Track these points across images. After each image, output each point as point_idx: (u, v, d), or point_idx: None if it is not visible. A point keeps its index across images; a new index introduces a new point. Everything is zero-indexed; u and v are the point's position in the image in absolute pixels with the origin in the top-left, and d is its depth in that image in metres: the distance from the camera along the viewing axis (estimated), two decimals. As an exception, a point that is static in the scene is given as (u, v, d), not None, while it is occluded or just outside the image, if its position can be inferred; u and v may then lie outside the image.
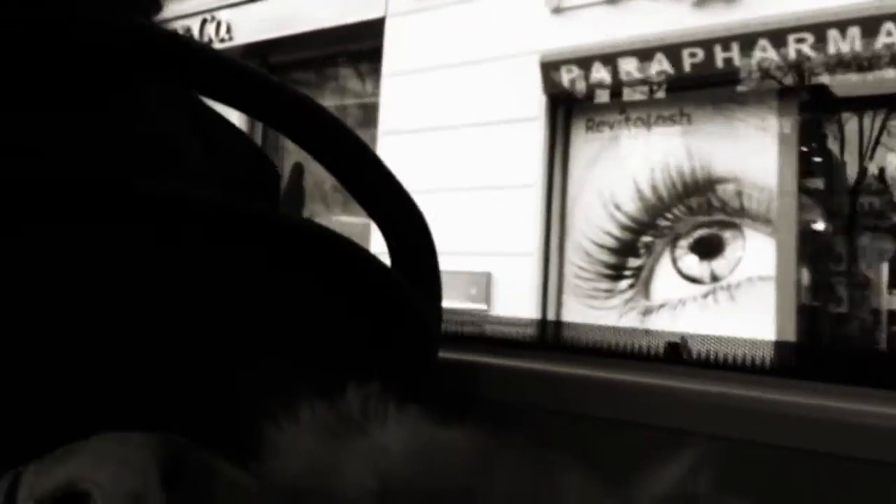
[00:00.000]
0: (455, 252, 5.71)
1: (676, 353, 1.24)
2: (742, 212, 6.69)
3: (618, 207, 7.19)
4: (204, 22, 9.53)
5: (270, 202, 1.05)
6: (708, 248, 6.86)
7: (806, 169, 6.75)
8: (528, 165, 7.39)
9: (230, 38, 9.45)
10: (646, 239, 7.09)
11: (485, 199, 7.35)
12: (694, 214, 6.97)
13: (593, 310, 7.19)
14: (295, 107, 0.92)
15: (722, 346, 1.18)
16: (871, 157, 6.66)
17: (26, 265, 0.74)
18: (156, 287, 0.80)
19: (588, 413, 1.11)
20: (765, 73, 6.54)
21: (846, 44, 6.18)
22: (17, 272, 0.73)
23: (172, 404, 0.81)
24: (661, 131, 7.11)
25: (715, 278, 6.82)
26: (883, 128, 6.64)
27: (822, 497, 0.96)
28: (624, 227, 7.18)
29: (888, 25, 6.03)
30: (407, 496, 0.46)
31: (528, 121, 7.42)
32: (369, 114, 8.55)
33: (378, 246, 1.05)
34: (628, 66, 7.07)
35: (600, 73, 7.19)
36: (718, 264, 6.83)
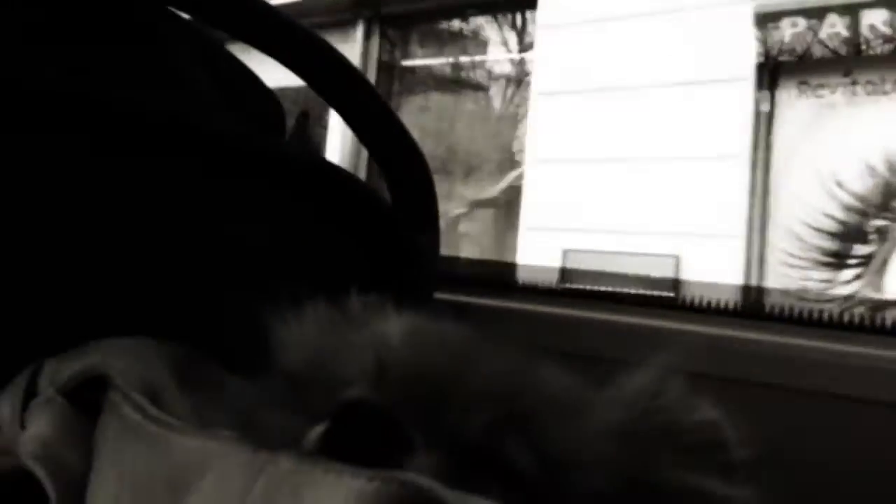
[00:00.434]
0: (637, 231, 4.93)
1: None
2: None
3: (840, 185, 5.94)
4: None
5: (275, 138, 1.08)
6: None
7: None
8: (729, 133, 6.12)
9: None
10: (878, 223, 5.84)
11: (675, 172, 6.08)
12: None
13: (805, 303, 5.73)
14: (300, 41, 0.95)
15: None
16: None
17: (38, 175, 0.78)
18: (161, 207, 0.84)
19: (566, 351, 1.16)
20: None
21: None
22: (32, 180, 0.77)
23: (178, 323, 0.85)
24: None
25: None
26: None
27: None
28: (849, 209, 5.91)
29: None
30: (402, 377, 0.50)
31: (734, 81, 6.14)
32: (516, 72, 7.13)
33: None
34: (874, 18, 6.09)
35: (836, 27, 6.00)
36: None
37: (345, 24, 7.03)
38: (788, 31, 6.06)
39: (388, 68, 7.19)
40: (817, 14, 5.92)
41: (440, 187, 1.17)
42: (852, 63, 5.96)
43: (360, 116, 1.06)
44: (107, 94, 0.78)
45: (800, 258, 6.10)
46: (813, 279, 5.96)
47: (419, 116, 6.60)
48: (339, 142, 5.96)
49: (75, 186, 0.79)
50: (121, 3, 0.93)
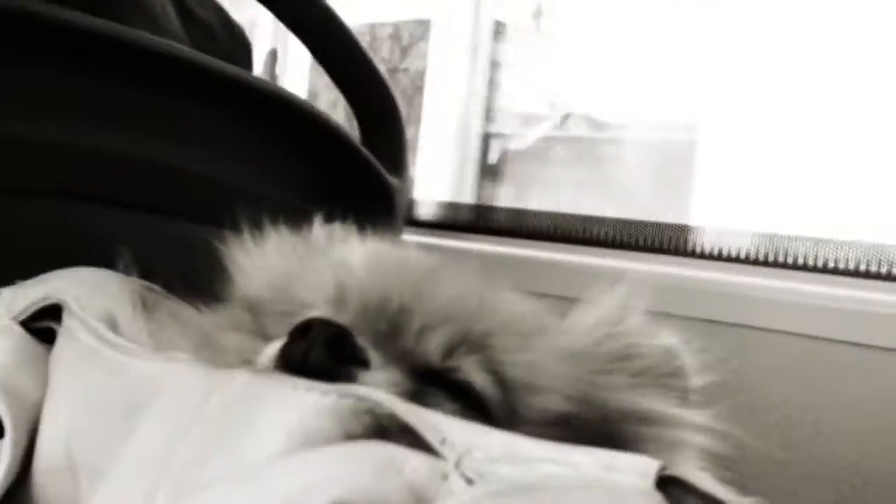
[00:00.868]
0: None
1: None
2: None
3: None
4: None
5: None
6: None
7: None
8: None
9: None
10: None
11: None
12: None
13: None
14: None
15: None
16: None
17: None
18: (124, 126, 0.82)
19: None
20: None
21: None
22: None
23: (138, 253, 0.85)
24: None
25: None
26: None
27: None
28: None
29: None
30: (361, 300, 0.50)
31: None
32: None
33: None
34: None
35: None
36: None
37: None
38: None
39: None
40: None
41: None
42: None
43: (333, 56, 1.05)
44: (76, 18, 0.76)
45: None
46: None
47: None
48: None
49: (47, 105, 0.78)
50: None
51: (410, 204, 1.32)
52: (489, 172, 1.95)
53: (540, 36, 1.95)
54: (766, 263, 1.12)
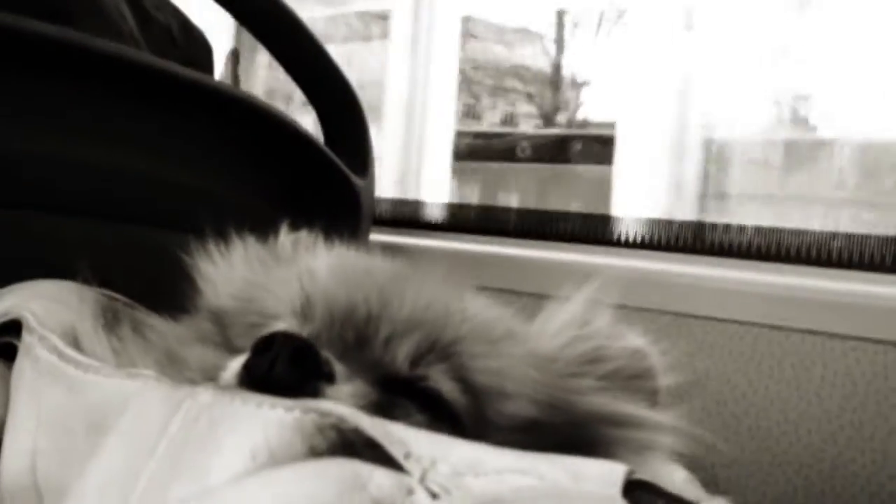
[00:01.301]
0: None
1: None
2: None
3: None
4: None
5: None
6: None
7: None
8: None
9: None
10: None
11: None
12: None
13: None
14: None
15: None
16: None
17: None
18: (83, 134, 0.81)
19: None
20: None
21: None
22: None
23: (102, 262, 0.83)
24: None
25: None
26: None
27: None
28: None
29: None
30: (327, 310, 0.49)
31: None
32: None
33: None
34: None
35: None
36: None
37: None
38: None
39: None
40: None
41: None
42: None
43: (293, 56, 1.04)
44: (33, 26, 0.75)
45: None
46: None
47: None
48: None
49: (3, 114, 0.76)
50: None
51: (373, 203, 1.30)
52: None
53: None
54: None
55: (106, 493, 0.40)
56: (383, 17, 2.15)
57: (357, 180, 1.08)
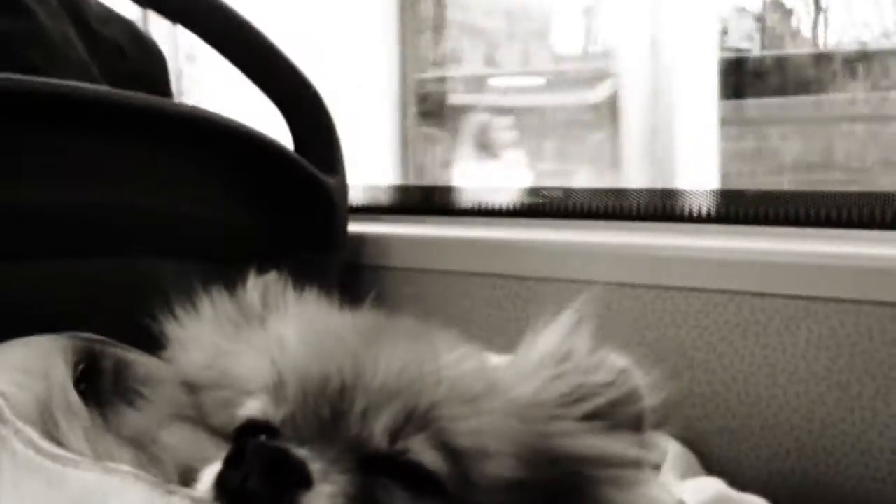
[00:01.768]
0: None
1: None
2: None
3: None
4: None
5: (158, 93, 1.02)
6: None
7: None
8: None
9: None
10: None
11: None
12: None
13: None
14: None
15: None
16: None
17: None
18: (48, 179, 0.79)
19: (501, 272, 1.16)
20: None
21: None
22: None
23: (80, 300, 0.82)
24: None
25: None
26: None
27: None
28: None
29: None
30: (300, 387, 0.48)
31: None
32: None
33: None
34: None
35: None
36: None
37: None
38: None
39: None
40: None
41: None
42: None
43: (252, 63, 1.01)
44: None
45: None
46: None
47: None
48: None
49: None
50: None
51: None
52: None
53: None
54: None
55: None
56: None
57: (327, 179, 1.06)
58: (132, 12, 1.07)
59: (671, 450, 0.96)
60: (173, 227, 0.91)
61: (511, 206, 1.31)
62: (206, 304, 0.58)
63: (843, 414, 0.99)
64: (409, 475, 0.46)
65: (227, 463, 0.41)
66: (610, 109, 1.98)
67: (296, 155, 1.01)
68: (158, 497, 0.41)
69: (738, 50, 1.94)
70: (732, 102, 1.89)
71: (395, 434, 0.47)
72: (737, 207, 1.13)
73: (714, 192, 1.17)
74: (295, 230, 1.04)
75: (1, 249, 0.77)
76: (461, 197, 1.39)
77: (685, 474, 0.96)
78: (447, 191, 1.50)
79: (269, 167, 0.97)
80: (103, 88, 0.82)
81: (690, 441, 1.03)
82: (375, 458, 0.46)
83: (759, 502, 0.88)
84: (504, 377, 0.52)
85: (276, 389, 0.49)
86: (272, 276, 0.63)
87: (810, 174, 1.80)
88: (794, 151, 1.90)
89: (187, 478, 0.46)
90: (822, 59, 1.89)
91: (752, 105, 1.93)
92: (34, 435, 0.50)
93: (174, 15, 0.93)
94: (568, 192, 1.30)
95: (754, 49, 1.97)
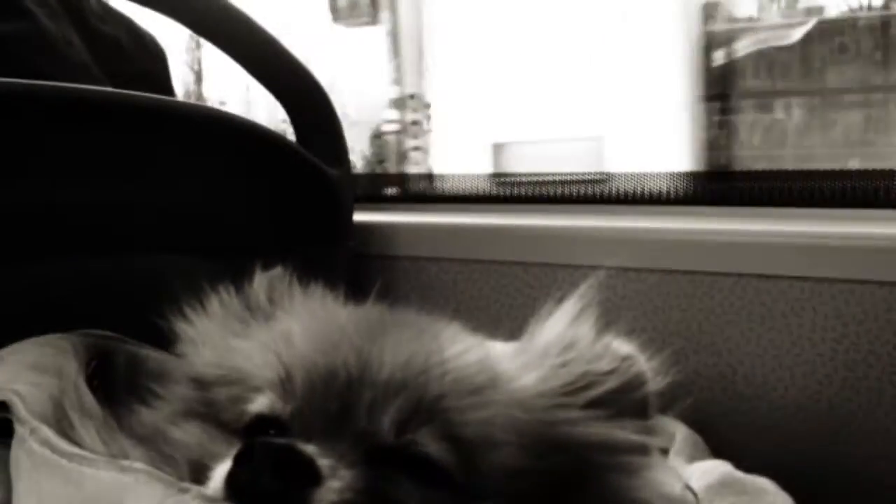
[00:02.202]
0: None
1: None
2: None
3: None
4: None
5: (159, 90, 1.02)
6: None
7: None
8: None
9: None
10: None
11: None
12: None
13: None
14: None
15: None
16: None
17: None
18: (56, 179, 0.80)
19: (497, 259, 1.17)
20: None
21: None
22: None
23: (91, 298, 0.83)
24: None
25: None
26: None
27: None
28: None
29: None
30: (307, 383, 0.49)
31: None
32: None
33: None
34: None
35: None
36: None
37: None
38: None
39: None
40: None
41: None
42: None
43: (253, 58, 1.02)
44: None
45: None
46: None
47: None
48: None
49: None
50: None
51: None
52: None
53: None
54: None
55: None
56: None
57: (331, 171, 1.07)
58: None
59: (678, 433, 0.97)
60: (179, 222, 0.92)
61: (513, 194, 1.32)
62: (213, 302, 0.59)
63: (849, 395, 0.99)
64: (417, 467, 0.47)
65: (237, 461, 0.42)
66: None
67: (299, 147, 1.02)
68: (172, 496, 0.42)
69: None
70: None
71: (402, 426, 0.47)
72: (741, 188, 1.13)
73: (718, 173, 1.17)
74: (300, 223, 1.04)
75: (14, 248, 0.77)
76: (466, 185, 1.39)
77: (692, 457, 0.96)
78: (458, 179, 1.50)
79: (274, 160, 0.98)
80: (107, 90, 0.82)
81: (697, 424, 1.03)
82: (383, 451, 0.47)
83: (766, 483, 0.89)
84: (509, 367, 0.53)
85: (284, 385, 0.49)
86: (278, 271, 0.63)
87: None
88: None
89: (199, 474, 0.47)
90: None
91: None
92: (50, 434, 0.51)
93: (171, 11, 0.93)
94: (569, 179, 1.30)
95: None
